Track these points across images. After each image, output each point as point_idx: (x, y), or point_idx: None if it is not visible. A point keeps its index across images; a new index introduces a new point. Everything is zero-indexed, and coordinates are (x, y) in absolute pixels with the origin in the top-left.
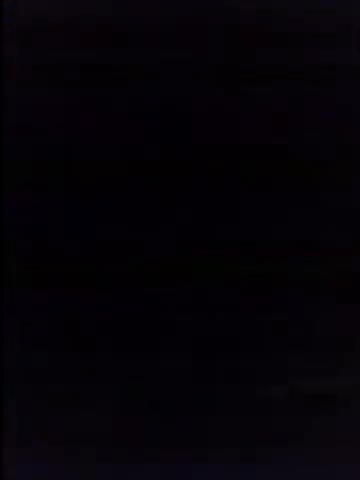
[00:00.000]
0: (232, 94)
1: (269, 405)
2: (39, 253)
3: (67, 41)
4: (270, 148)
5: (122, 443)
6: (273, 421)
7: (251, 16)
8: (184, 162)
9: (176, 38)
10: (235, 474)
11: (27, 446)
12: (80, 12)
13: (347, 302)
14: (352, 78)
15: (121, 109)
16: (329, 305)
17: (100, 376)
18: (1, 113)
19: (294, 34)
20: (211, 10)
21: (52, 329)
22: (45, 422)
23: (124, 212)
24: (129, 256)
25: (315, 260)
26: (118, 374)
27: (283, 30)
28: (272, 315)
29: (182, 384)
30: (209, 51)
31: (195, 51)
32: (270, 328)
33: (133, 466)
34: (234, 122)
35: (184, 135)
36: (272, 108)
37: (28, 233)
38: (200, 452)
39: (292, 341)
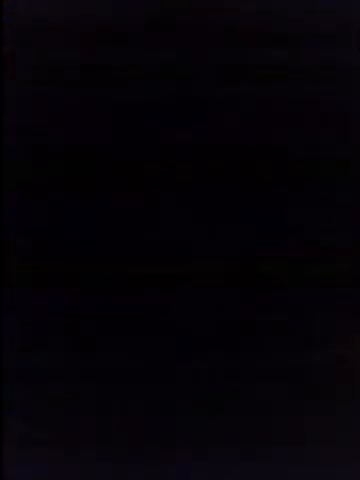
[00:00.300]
0: (232, 94)
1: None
2: (39, 253)
3: (67, 41)
4: (270, 148)
5: (122, 443)
6: (273, 420)
7: (251, 16)
8: (184, 162)
9: (176, 38)
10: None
11: (27, 446)
12: (80, 12)
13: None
14: (352, 78)
15: (121, 109)
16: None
17: (100, 376)
18: (1, 113)
19: (294, 34)
20: (211, 10)
21: (52, 329)
22: (45, 422)
23: (124, 212)
24: (129, 256)
25: (315, 260)
26: (118, 374)
27: (283, 30)
28: (272, 315)
29: (181, 384)
30: (209, 51)
31: (195, 51)
32: (270, 328)
33: (133, 466)
34: (234, 122)
35: (184, 135)
36: (272, 108)
37: (28, 233)
38: (212, 451)
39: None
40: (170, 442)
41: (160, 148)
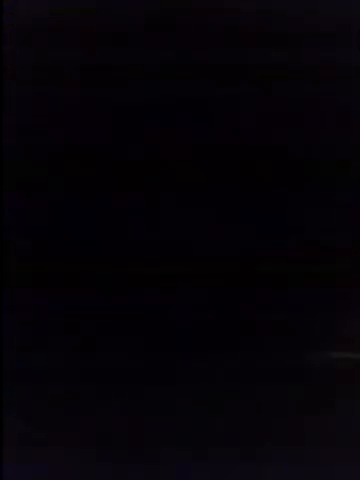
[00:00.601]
0: (232, 94)
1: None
2: (39, 253)
3: (67, 41)
4: (270, 148)
5: (122, 443)
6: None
7: (251, 16)
8: (184, 162)
9: (176, 38)
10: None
11: (27, 446)
12: (80, 12)
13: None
14: (352, 78)
15: (121, 109)
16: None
17: (100, 376)
18: (1, 113)
19: (294, 34)
20: (211, 10)
21: (52, 329)
22: (45, 422)
23: (124, 212)
24: (129, 256)
25: (315, 260)
26: (118, 374)
27: (283, 30)
28: (272, 315)
29: (181, 384)
30: (209, 51)
31: (195, 51)
32: (270, 328)
33: (133, 466)
34: (234, 122)
35: (184, 135)
36: (272, 108)
37: (28, 233)
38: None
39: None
40: (170, 442)
41: (160, 148)
